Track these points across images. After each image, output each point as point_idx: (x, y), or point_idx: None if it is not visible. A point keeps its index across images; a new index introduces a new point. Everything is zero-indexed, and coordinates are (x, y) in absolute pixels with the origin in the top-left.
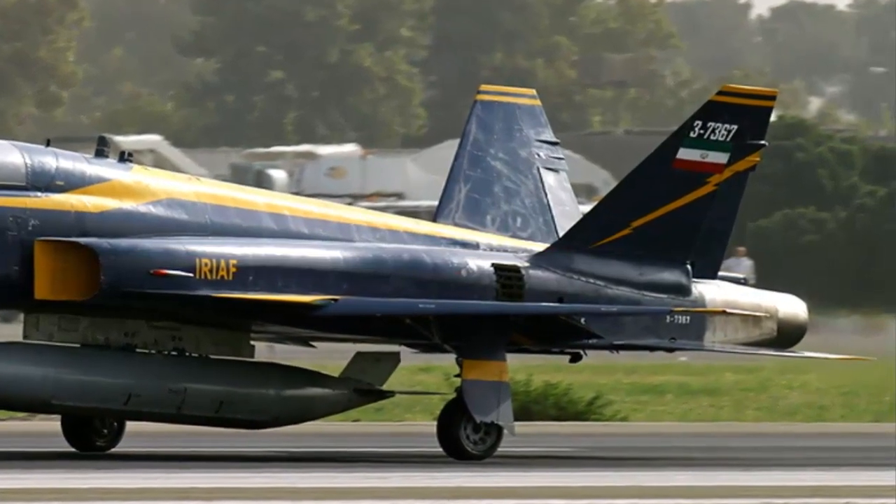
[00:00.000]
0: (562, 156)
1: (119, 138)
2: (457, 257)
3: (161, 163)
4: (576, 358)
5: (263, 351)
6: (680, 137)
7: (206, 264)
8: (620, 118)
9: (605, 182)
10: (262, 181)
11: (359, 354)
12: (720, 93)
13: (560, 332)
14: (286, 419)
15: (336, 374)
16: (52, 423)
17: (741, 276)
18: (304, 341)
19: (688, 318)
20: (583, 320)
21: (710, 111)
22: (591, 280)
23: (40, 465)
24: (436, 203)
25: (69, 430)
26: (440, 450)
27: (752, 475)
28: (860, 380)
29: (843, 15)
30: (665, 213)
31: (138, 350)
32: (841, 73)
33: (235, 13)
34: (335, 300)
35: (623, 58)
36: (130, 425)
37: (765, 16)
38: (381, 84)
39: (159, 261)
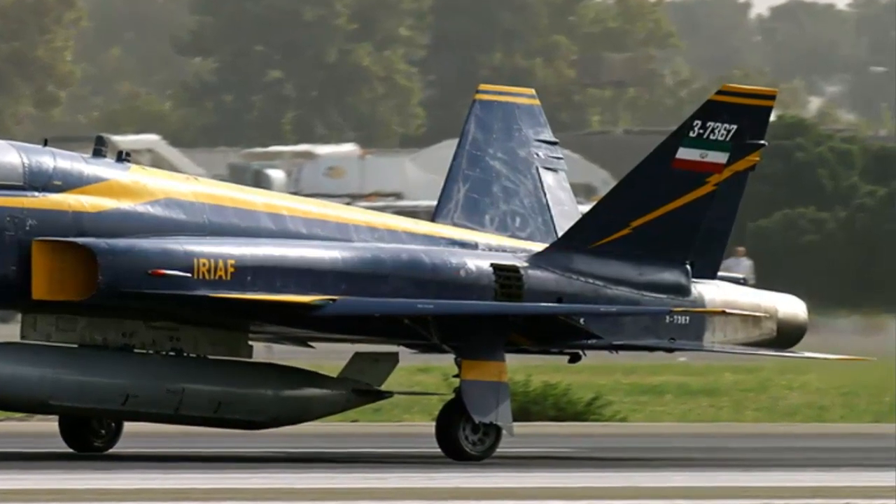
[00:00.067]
0: (561, 155)
1: (117, 138)
2: (455, 257)
3: (159, 162)
4: (575, 358)
5: (261, 351)
6: (679, 137)
7: (204, 264)
8: (619, 118)
9: (605, 182)
10: (260, 181)
11: (357, 355)
12: (719, 92)
13: (559, 333)
14: (284, 419)
15: (334, 375)
16: (50, 424)
17: (741, 276)
18: (303, 341)
19: (687, 318)
20: (582, 320)
21: (710, 111)
22: (591, 280)
23: (38, 466)
24: (434, 203)
25: (67, 431)
26: (439, 450)
27: (751, 476)
28: (860, 380)
29: (843, 14)
30: (664, 212)
31: (136, 350)
32: (841, 72)
33: (233, 13)
34: (333, 300)
35: (622, 57)
36: (128, 426)
37: (764, 15)
38: (380, 84)
39: (157, 261)
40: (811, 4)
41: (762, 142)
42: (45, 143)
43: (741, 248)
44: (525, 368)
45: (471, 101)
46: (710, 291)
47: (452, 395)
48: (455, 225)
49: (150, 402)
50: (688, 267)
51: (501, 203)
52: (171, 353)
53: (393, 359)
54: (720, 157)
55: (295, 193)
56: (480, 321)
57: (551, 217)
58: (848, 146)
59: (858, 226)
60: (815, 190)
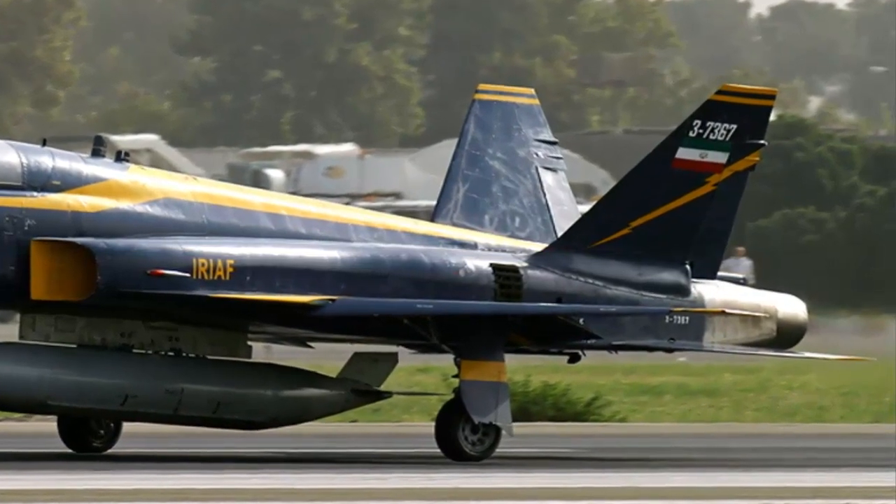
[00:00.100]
0: (560, 155)
1: (116, 138)
2: (455, 257)
3: (158, 162)
4: (574, 358)
5: (260, 351)
6: (679, 137)
7: (203, 264)
8: (619, 117)
9: (604, 182)
10: (259, 181)
11: (356, 355)
12: (719, 92)
13: (558, 333)
14: (283, 420)
15: (334, 375)
16: (49, 424)
17: (740, 276)
18: (302, 342)
19: (687, 318)
20: (581, 320)
21: (710, 110)
22: (590, 280)
23: (36, 466)
24: (434, 203)
25: (65, 431)
26: (438, 451)
27: (751, 476)
28: (860, 380)
29: (843, 14)
30: (664, 212)
31: (135, 350)
32: (841, 72)
33: (232, 12)
34: (333, 300)
35: (622, 57)
36: (127, 426)
37: (764, 15)
38: (379, 83)
39: (156, 261)
40: (811, 4)
41: (762, 142)
42: (44, 143)
43: (741, 248)
44: (524, 368)
45: (470, 100)
46: (710, 291)
47: (452, 396)
48: (454, 225)
49: (148, 403)
50: (687, 267)
51: (501, 203)
52: (170, 354)
53: (392, 359)
54: (720, 157)
55: (294, 193)
56: (480, 321)
57: (551, 217)
58: (848, 146)
59: (858, 226)
60: (814, 190)
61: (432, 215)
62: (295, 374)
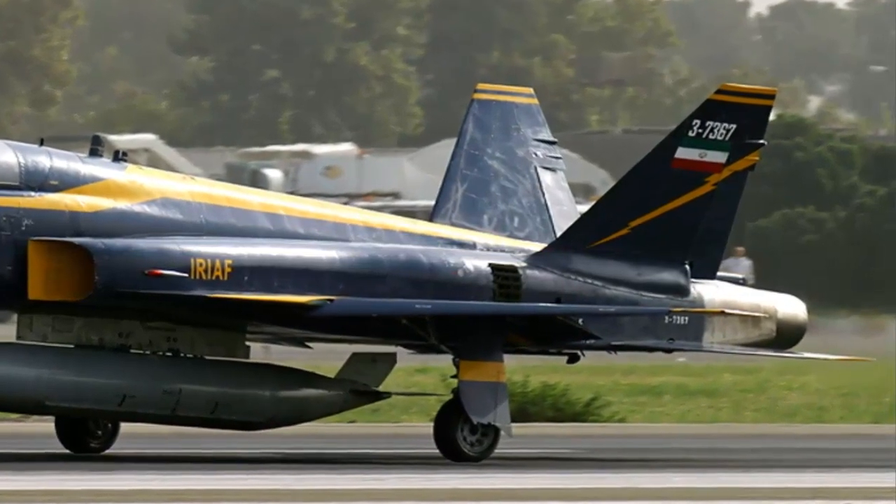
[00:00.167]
0: (559, 155)
1: (113, 137)
2: (453, 257)
3: (156, 162)
4: (573, 359)
5: (259, 352)
6: (678, 137)
7: (201, 264)
8: (618, 117)
9: (603, 181)
10: (257, 181)
11: (355, 355)
12: (719, 91)
13: (558, 333)
14: (282, 420)
15: (332, 375)
16: (46, 425)
17: (740, 276)
18: (300, 342)
19: (686, 318)
20: (580, 321)
21: (709, 110)
22: (589, 280)
23: (34, 467)
24: (432, 203)
25: (63, 432)
26: (437, 451)
27: (751, 477)
28: (860, 381)
29: (843, 13)
30: (663, 212)
31: (133, 351)
32: (840, 71)
33: (230, 11)
34: (331, 300)
35: (621, 56)
36: (125, 426)
37: (764, 14)
38: (378, 83)
39: (154, 261)
40: (811, 3)
41: (761, 141)
42: (42, 143)
43: (740, 248)
44: (523, 369)
45: (469, 100)
46: (710, 292)
47: (450, 396)
48: (453, 225)
49: (146, 403)
50: (687, 267)
51: (500, 203)
52: (168, 354)
53: (391, 359)
54: (719, 157)
55: (292, 193)
56: (478, 321)
57: (550, 217)
58: (848, 146)
59: (858, 226)
60: (814, 190)
61: (431, 215)
62: (293, 374)
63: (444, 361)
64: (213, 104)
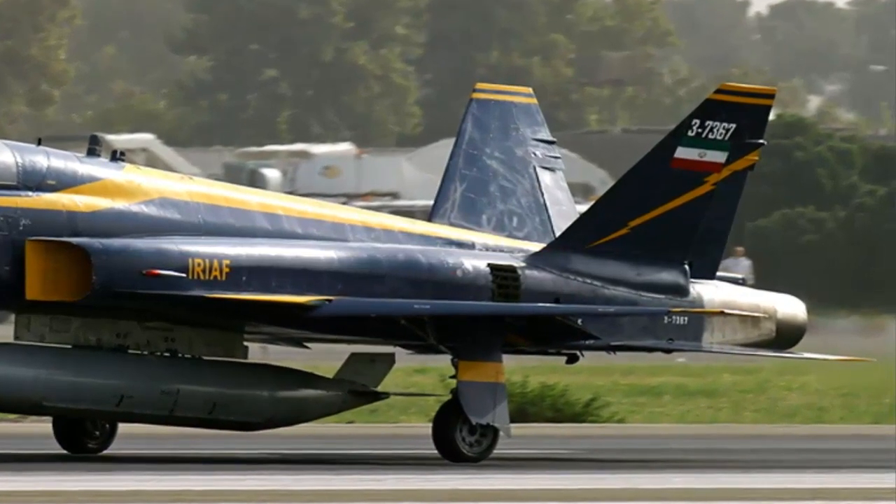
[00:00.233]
0: (558, 155)
1: (111, 137)
2: (452, 257)
3: (153, 162)
4: (572, 359)
5: (257, 352)
6: (678, 136)
7: (198, 264)
8: (618, 117)
9: (603, 181)
10: (255, 180)
11: (353, 355)
12: (718, 91)
13: (557, 333)
14: (280, 421)
15: (330, 376)
16: (44, 425)
17: (740, 276)
18: (299, 342)
19: (686, 318)
20: (579, 321)
21: (708, 110)
22: (588, 280)
23: (32, 468)
24: (431, 202)
25: (60, 432)
26: (435, 452)
27: (750, 477)
28: (860, 381)
29: (843, 13)
30: (663, 212)
31: (130, 351)
32: (840, 71)
33: (229, 11)
34: (329, 301)
35: (620, 56)
36: (122, 427)
37: (763, 13)
38: (376, 82)
39: (152, 261)
40: (810, 3)
41: (761, 141)
42: (39, 143)
43: (740, 248)
44: (522, 369)
45: (468, 99)
46: (709, 292)
47: (449, 397)
48: (452, 225)
49: (144, 404)
50: (686, 267)
51: (498, 203)
52: (166, 354)
53: (389, 360)
54: (719, 157)
55: (291, 193)
56: (477, 322)
57: (549, 217)
58: (847, 145)
59: (858, 225)
60: (814, 189)
61: (429, 215)
62: (291, 374)
63: (443, 362)
64: (211, 104)
